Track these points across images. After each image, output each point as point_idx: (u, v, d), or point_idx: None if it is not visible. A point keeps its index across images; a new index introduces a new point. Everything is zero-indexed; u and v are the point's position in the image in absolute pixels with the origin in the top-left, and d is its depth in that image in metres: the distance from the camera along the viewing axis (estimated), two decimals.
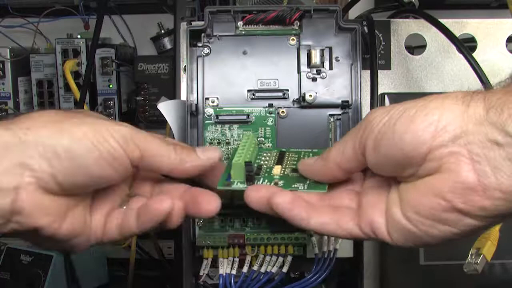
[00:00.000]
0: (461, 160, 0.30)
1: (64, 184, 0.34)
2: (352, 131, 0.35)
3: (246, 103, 0.50)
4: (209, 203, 0.38)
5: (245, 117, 0.49)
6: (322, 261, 0.48)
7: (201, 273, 0.50)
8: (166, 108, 0.52)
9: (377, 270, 0.59)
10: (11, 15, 0.88)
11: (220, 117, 0.49)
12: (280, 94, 0.50)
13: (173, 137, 0.52)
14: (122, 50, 0.88)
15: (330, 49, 0.49)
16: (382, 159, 0.33)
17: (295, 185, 0.39)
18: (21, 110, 0.88)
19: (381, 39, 0.58)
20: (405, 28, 0.58)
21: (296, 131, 0.49)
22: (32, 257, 0.83)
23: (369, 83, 0.53)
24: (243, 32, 0.49)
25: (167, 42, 0.92)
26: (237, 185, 0.40)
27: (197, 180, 0.41)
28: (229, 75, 0.50)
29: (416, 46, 0.61)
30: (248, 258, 0.49)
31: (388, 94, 0.58)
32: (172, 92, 0.56)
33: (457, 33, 0.55)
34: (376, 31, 0.55)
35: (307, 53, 0.49)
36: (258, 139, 0.49)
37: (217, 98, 0.50)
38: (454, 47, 0.53)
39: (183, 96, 0.52)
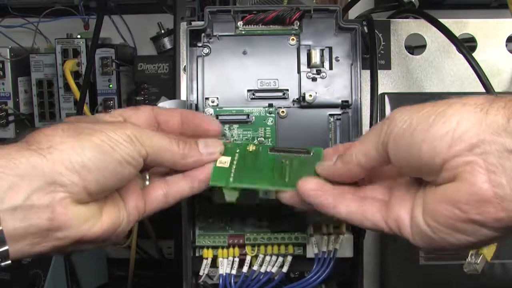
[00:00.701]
0: (477, 170, 0.30)
1: (94, 191, 0.36)
2: (374, 129, 0.36)
3: (246, 103, 0.50)
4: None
5: (245, 117, 0.49)
6: (322, 261, 0.48)
7: (201, 273, 0.50)
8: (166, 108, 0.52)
9: (377, 270, 0.59)
10: (11, 15, 0.88)
11: (220, 117, 0.49)
12: (280, 94, 0.50)
13: None
14: (122, 50, 0.88)
15: (330, 49, 0.49)
16: (403, 161, 0.34)
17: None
18: (21, 110, 0.88)
19: (381, 39, 0.58)
20: (405, 28, 0.58)
21: (296, 131, 0.49)
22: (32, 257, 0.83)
23: (369, 83, 0.53)
24: (243, 32, 0.49)
25: (167, 42, 0.92)
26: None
27: None
28: (229, 75, 0.50)
29: (416, 46, 0.61)
30: (248, 258, 0.49)
31: (388, 94, 0.58)
32: (172, 92, 0.56)
33: (457, 33, 0.55)
34: (376, 31, 0.55)
35: (307, 53, 0.49)
36: (258, 139, 0.49)
37: (217, 98, 0.50)
38: (454, 47, 0.53)
39: (183, 96, 0.52)
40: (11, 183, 0.33)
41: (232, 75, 0.50)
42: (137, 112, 0.43)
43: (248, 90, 0.50)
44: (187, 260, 0.51)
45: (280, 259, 0.49)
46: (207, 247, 0.50)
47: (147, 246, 0.97)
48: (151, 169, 0.43)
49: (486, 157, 0.30)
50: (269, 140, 0.49)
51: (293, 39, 0.49)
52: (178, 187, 0.42)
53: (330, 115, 0.49)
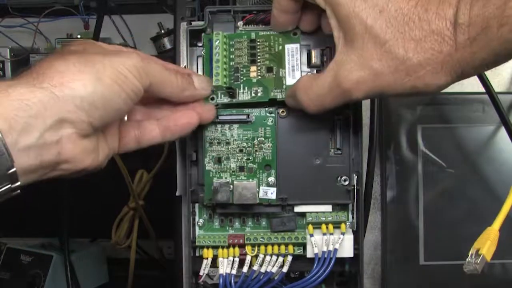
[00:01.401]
0: None
1: (97, 126, 0.38)
2: None
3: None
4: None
5: (245, 116, 0.49)
6: (322, 261, 0.48)
7: (201, 273, 0.50)
8: None
9: (377, 270, 0.59)
10: (11, 15, 0.88)
11: (220, 117, 0.49)
12: None
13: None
14: None
15: (330, 49, 0.49)
16: None
17: (274, 93, 0.47)
18: None
19: None
20: None
21: (296, 131, 0.49)
22: (32, 257, 0.83)
23: None
24: (243, 32, 0.49)
25: (167, 42, 0.92)
26: (221, 100, 0.48)
27: None
28: None
29: None
30: (248, 258, 0.49)
31: None
32: None
33: None
34: None
35: (307, 53, 0.49)
36: (258, 139, 0.49)
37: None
38: None
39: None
40: (25, 125, 0.34)
41: None
42: None
43: None
44: (187, 260, 0.51)
45: (280, 259, 0.50)
46: (207, 247, 0.50)
47: (147, 246, 0.97)
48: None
49: None
50: (269, 140, 0.49)
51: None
52: (151, 134, 0.44)
53: (331, 115, 0.49)
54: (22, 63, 0.87)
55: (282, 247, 0.49)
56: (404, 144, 0.58)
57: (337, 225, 0.49)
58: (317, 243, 0.49)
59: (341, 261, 0.50)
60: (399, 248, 0.57)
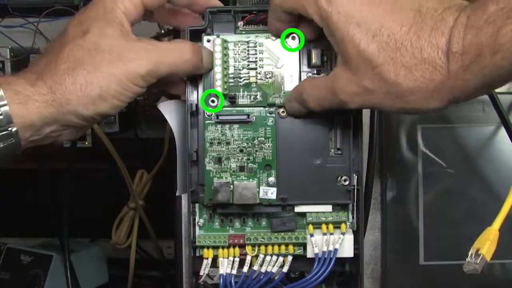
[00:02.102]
0: None
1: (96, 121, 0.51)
2: None
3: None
4: None
5: (245, 117, 0.49)
6: (323, 261, 0.48)
7: (201, 273, 0.50)
8: (166, 108, 0.52)
9: (377, 270, 0.59)
10: (11, 15, 0.88)
11: (220, 117, 0.49)
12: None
13: (173, 139, 0.52)
14: None
15: (331, 49, 0.49)
16: None
17: (273, 98, 0.48)
18: None
19: None
20: None
21: (296, 131, 0.49)
22: (32, 257, 0.83)
23: None
24: (243, 32, 0.49)
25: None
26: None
27: None
28: None
29: None
30: (249, 258, 0.49)
31: None
32: None
33: None
34: None
35: (307, 53, 0.49)
36: (259, 139, 0.49)
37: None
38: None
39: (183, 96, 0.52)
40: (38, 127, 0.41)
41: None
42: None
43: None
44: (187, 260, 0.51)
45: (281, 259, 0.50)
46: (207, 247, 0.50)
47: (147, 246, 0.97)
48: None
49: None
50: (270, 140, 0.49)
51: (294, 38, 0.49)
52: None
53: (331, 115, 0.49)
54: (22, 63, 0.87)
55: (282, 247, 0.49)
56: (404, 144, 0.58)
57: (337, 225, 0.49)
58: (317, 243, 0.49)
59: (341, 261, 0.50)
60: (399, 248, 0.57)
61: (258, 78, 0.49)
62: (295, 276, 0.52)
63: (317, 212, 0.49)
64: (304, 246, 0.49)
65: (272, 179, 0.49)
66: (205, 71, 0.48)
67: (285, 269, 0.49)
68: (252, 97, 0.49)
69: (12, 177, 0.98)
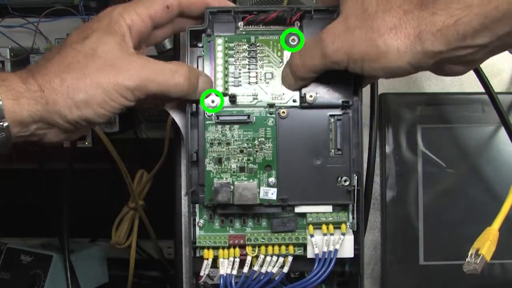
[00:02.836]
0: None
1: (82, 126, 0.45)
2: None
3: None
4: None
5: (245, 117, 0.49)
6: (323, 261, 0.48)
7: (201, 274, 0.50)
8: (174, 108, 0.51)
9: (377, 270, 0.59)
10: (11, 15, 0.88)
11: (220, 118, 0.49)
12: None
13: (173, 139, 0.52)
14: None
15: None
16: None
17: (273, 99, 0.49)
18: None
19: None
20: None
21: (296, 131, 0.49)
22: (32, 257, 0.83)
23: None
24: (244, 33, 0.49)
25: (167, 42, 0.92)
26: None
27: None
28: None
29: None
30: (249, 258, 0.50)
31: (388, 94, 0.58)
32: None
33: None
34: None
35: None
36: (259, 139, 0.49)
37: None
38: None
39: None
40: (24, 123, 0.42)
41: None
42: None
43: None
44: (187, 261, 0.51)
45: (281, 259, 0.50)
46: (208, 248, 0.50)
47: (147, 246, 0.97)
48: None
49: None
50: (270, 140, 0.49)
51: (293, 40, 0.49)
52: None
53: (331, 115, 0.49)
54: (22, 63, 0.86)
55: (283, 247, 0.49)
56: (404, 144, 0.58)
57: (337, 225, 0.49)
58: (318, 243, 0.49)
59: (341, 261, 0.50)
60: (399, 248, 0.57)
61: (258, 78, 0.49)
62: (295, 276, 0.52)
63: (317, 213, 0.49)
64: (304, 246, 0.49)
65: (272, 179, 0.49)
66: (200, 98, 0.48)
67: (285, 270, 0.49)
68: (252, 97, 0.49)
69: (12, 177, 0.98)
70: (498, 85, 0.59)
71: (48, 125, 0.43)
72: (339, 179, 0.49)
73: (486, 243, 0.42)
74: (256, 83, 0.49)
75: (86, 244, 0.94)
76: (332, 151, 0.49)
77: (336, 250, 0.48)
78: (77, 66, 0.42)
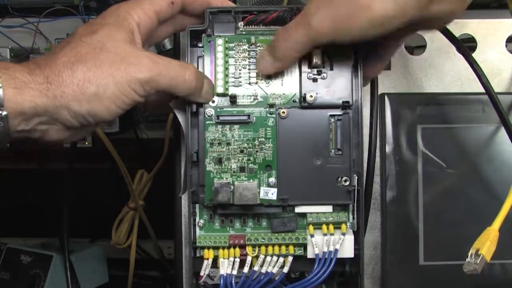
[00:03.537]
0: None
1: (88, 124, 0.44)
2: None
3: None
4: None
5: (245, 117, 0.49)
6: (323, 261, 0.48)
7: (201, 274, 0.50)
8: (178, 105, 0.51)
9: (377, 270, 0.59)
10: (11, 15, 0.88)
11: (220, 118, 0.49)
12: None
13: (173, 139, 0.52)
14: None
15: (331, 49, 0.49)
16: None
17: (273, 99, 0.49)
18: None
19: None
20: None
21: (296, 131, 0.49)
22: (32, 257, 0.83)
23: (369, 84, 0.53)
24: (244, 33, 0.49)
25: (167, 42, 0.92)
26: (222, 103, 0.49)
27: None
28: None
29: (416, 46, 0.61)
30: (249, 258, 0.50)
31: (388, 94, 0.58)
32: None
33: (457, 33, 0.55)
34: None
35: (308, 54, 0.49)
36: (259, 140, 0.49)
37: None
38: (454, 47, 0.53)
39: None
40: (27, 116, 0.41)
41: None
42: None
43: None
44: (187, 261, 0.51)
45: (281, 259, 0.50)
46: (208, 248, 0.50)
47: (147, 246, 0.97)
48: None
49: None
50: (270, 140, 0.49)
51: None
52: None
53: (331, 115, 0.49)
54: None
55: (283, 247, 0.49)
56: (404, 144, 0.58)
57: (337, 225, 0.49)
58: (318, 243, 0.49)
59: (341, 261, 0.50)
60: (399, 248, 0.57)
61: (259, 78, 0.49)
62: (295, 276, 0.52)
63: (317, 213, 0.50)
64: (304, 246, 0.49)
65: (272, 179, 0.49)
66: (203, 101, 0.48)
67: (285, 270, 0.49)
68: (252, 97, 0.49)
69: (12, 177, 0.98)
70: (498, 85, 0.59)
71: (51, 119, 0.41)
72: (339, 179, 0.49)
73: (486, 243, 0.42)
74: (256, 83, 0.49)
75: (86, 244, 0.94)
76: (332, 151, 0.49)
77: (336, 250, 0.48)
78: (88, 57, 0.41)
